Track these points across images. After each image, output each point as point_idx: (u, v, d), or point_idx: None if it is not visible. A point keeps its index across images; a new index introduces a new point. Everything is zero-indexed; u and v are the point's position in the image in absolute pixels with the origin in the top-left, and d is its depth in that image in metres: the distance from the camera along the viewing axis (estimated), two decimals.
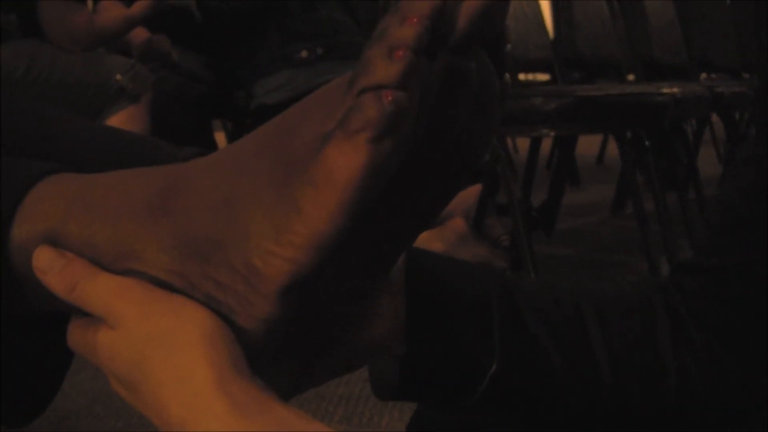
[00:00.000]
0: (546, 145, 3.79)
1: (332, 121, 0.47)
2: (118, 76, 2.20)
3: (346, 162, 0.45)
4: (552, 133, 2.19)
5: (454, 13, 0.49)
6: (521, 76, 3.71)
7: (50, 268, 0.53)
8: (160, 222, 0.52)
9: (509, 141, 3.95)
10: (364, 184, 0.45)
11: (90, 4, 2.34)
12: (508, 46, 0.55)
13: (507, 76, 0.56)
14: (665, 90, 2.19)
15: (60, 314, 0.56)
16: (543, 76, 3.86)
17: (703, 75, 4.13)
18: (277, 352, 0.56)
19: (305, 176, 0.47)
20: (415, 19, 0.46)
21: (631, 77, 3.52)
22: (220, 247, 0.50)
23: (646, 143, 2.28)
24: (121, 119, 2.20)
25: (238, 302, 0.51)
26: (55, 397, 0.64)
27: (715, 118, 3.84)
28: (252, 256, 0.49)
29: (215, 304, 0.51)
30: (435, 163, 0.55)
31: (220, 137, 3.30)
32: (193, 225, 0.51)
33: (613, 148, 4.22)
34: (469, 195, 2.42)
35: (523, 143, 4.83)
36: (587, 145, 5.02)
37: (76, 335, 0.55)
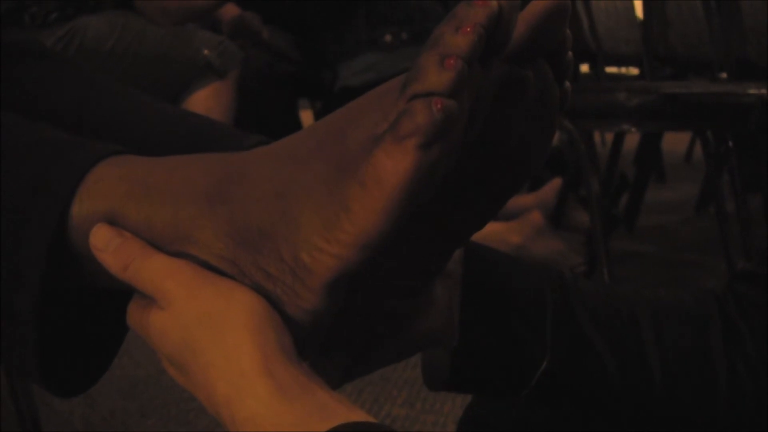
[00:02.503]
0: (634, 139, 3.74)
1: (384, 124, 0.47)
2: (206, 52, 2.23)
3: (394, 165, 0.46)
4: (633, 130, 2.16)
5: (511, 21, 0.48)
6: (612, 69, 3.67)
7: (106, 246, 0.54)
8: (216, 209, 0.53)
9: (597, 134, 3.92)
10: (411, 188, 0.46)
11: None
12: (570, 54, 0.55)
13: (567, 84, 0.56)
14: (752, 90, 2.13)
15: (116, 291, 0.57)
16: (636, 70, 3.82)
17: None
18: (325, 343, 0.57)
19: (355, 176, 0.48)
20: (468, 28, 0.46)
21: (724, 75, 3.46)
22: (271, 238, 0.51)
23: (730, 144, 2.24)
24: (206, 94, 2.22)
25: (285, 293, 0.51)
26: (127, 365, 0.65)
27: None
28: (300, 250, 0.50)
29: (263, 293, 0.52)
30: (488, 169, 0.55)
31: (307, 116, 3.32)
32: (248, 215, 0.52)
33: None
34: (549, 191, 2.41)
35: (610, 136, 4.77)
36: (676, 141, 4.94)
37: (133, 315, 0.56)
